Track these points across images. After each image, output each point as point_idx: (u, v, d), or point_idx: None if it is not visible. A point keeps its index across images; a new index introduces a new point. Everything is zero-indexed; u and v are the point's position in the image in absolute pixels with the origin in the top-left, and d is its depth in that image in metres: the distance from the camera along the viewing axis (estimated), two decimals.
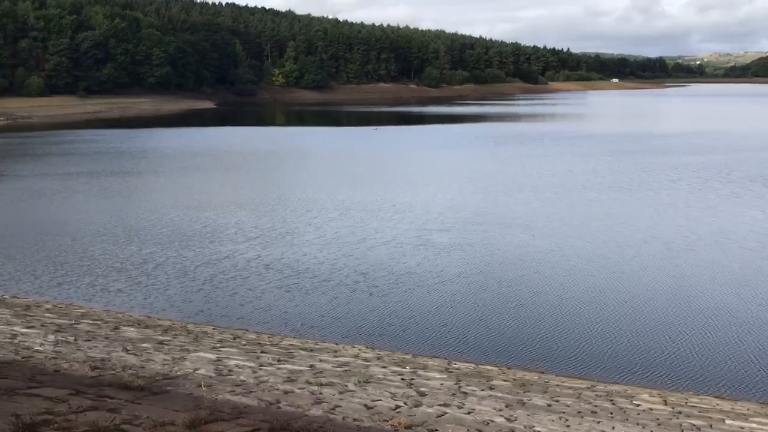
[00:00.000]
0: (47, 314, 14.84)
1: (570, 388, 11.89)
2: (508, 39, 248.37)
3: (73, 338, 10.65)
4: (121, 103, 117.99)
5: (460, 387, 10.24)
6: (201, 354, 10.63)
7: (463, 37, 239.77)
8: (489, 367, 13.76)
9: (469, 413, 8.08)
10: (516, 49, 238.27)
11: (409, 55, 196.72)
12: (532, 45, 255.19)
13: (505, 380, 12.09)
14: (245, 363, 10.03)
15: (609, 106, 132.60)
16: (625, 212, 27.13)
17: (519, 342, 14.80)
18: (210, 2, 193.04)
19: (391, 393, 8.71)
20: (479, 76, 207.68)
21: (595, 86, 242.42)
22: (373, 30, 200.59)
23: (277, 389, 7.92)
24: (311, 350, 13.60)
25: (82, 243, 22.54)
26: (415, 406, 7.99)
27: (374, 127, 74.38)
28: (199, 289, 17.96)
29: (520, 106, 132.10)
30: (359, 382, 9.32)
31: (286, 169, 42.34)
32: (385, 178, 37.37)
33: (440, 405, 8.23)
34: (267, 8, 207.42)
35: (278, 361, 10.85)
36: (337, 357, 12.82)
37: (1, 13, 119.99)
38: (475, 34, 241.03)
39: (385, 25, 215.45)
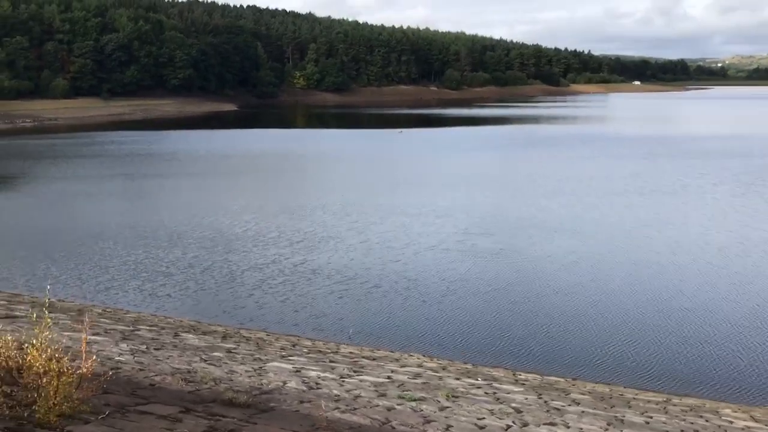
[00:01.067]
0: (102, 319, 14.59)
1: (650, 401, 11.44)
2: (527, 41, 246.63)
3: (144, 346, 10.33)
4: (144, 105, 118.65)
5: (546, 402, 9.81)
6: (276, 364, 10.28)
7: (484, 39, 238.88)
8: (555, 378, 13.36)
9: None
10: (537, 51, 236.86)
11: (430, 57, 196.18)
12: (553, 47, 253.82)
13: (581, 393, 11.64)
14: (325, 374, 9.66)
15: (634, 109, 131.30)
16: (673, 217, 26.51)
17: (570, 351, 14.38)
18: (232, 5, 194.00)
19: (488, 410, 8.31)
20: (500, 78, 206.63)
21: (616, 88, 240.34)
22: (394, 32, 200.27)
23: (378, 405, 7.54)
24: (374, 359, 13.24)
25: (124, 246, 22.35)
26: (524, 426, 7.58)
27: (399, 130, 74.03)
28: (250, 294, 17.66)
29: (542, 108, 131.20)
30: (448, 396, 8.91)
31: (320, 172, 42.08)
32: (421, 181, 36.97)
33: (546, 424, 7.82)
34: (288, 10, 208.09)
35: (354, 372, 10.47)
36: (404, 367, 12.44)
37: (28, 16, 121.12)
38: (494, 35, 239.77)
39: (404, 27, 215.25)
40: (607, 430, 8.07)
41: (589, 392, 11.98)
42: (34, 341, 5.35)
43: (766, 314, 16.00)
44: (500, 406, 8.69)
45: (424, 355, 14.44)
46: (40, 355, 5.23)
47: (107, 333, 11.80)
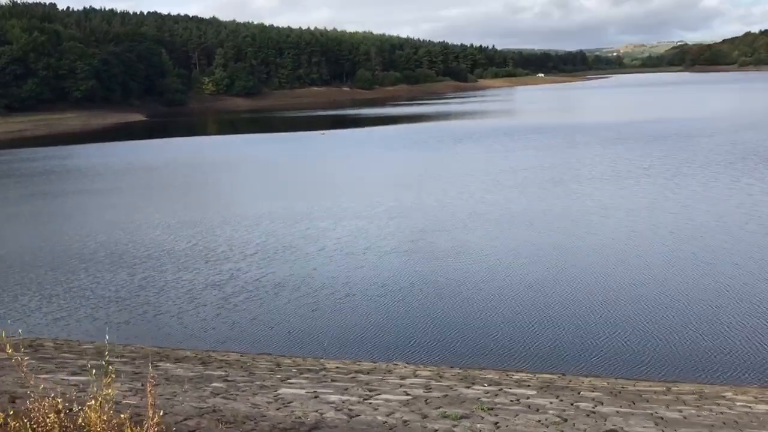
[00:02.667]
0: (64, 354, 13.31)
1: (656, 391, 11.25)
2: (433, 38, 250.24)
3: (138, 383, 9.31)
4: (46, 119, 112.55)
5: (573, 404, 9.43)
6: (286, 390, 9.48)
7: (392, 38, 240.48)
8: (548, 376, 13.09)
9: None
10: (444, 48, 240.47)
11: (340, 58, 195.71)
12: (459, 44, 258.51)
13: (590, 390, 11.27)
14: (345, 398, 8.94)
15: (544, 100, 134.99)
16: (618, 203, 26.92)
17: (535, 344, 14.19)
18: (131, 12, 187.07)
19: (536, 421, 7.84)
20: (411, 77, 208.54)
21: (522, 81, 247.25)
22: (302, 34, 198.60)
23: (436, 429, 6.94)
24: (367, 372, 12.62)
25: (64, 272, 20.70)
26: None
27: (322, 132, 73.13)
28: (216, 314, 16.58)
29: (455, 105, 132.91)
30: (484, 409, 8.40)
31: (254, 179, 40.65)
32: (362, 182, 36.35)
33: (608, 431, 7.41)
34: (191, 16, 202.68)
35: (371, 390, 9.80)
36: (405, 379, 11.86)
37: None
38: (400, 34, 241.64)
39: (312, 28, 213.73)
40: (664, 430, 7.75)
41: (595, 388, 11.73)
42: (92, 400, 4.44)
43: (734, 292, 16.32)
44: (541, 415, 8.24)
45: (408, 363, 13.91)
46: (100, 416, 4.35)
47: (81, 370, 10.65)
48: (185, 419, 6.72)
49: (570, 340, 14.28)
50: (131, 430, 4.22)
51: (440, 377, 12.46)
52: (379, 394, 9.67)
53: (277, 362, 13.71)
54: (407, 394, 9.73)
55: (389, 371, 13.13)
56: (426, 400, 9.13)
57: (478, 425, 7.28)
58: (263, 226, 26.00)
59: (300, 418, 7.13)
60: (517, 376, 13.13)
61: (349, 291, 17.76)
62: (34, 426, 4.49)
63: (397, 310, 16.39)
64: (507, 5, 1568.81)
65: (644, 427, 7.98)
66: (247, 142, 66.74)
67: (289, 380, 10.98)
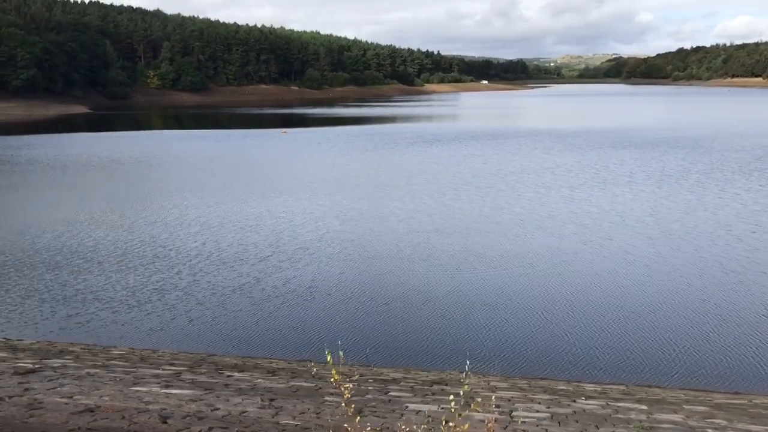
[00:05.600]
0: (92, 357, 13.03)
1: (693, 399, 11.62)
2: (375, 41, 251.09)
3: (201, 391, 9.19)
4: None
5: (686, 418, 9.61)
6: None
7: (340, 39, 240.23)
8: (657, 390, 12.88)
9: None
10: (392, 52, 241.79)
11: (290, 57, 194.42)
12: (406, 48, 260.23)
13: (674, 402, 11.37)
14: (437, 409, 9.05)
15: (493, 107, 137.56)
16: (593, 209, 27.89)
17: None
18: (73, 1, 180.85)
19: None
20: (359, 78, 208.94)
21: (468, 87, 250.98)
22: (251, 31, 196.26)
23: None
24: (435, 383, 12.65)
25: (73, 271, 20.15)
26: None
27: (283, 130, 72.66)
28: (212, 317, 16.46)
29: (404, 108, 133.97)
30: (643, 428, 8.40)
31: (234, 177, 40.04)
32: (340, 182, 36.37)
33: None
34: (134, 7, 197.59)
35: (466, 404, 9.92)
36: (494, 392, 11.79)
37: None
38: (343, 35, 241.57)
39: (259, 25, 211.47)
40: None
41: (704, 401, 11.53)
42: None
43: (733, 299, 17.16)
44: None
45: (464, 373, 13.60)
46: None
47: (150, 378, 10.48)
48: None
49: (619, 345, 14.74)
50: None
51: (512, 388, 12.52)
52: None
53: (295, 369, 13.63)
54: (547, 414, 9.60)
55: (458, 381, 13.22)
56: (561, 422, 9.18)
57: None
58: (265, 225, 25.81)
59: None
60: (590, 387, 12.83)
61: (376, 297, 17.87)
62: None
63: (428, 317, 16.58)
64: (449, 12, 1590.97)
65: None
66: (205, 138, 65.66)
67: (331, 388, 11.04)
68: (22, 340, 14.73)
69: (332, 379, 4.64)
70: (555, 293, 17.40)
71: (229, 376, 11.30)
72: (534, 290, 17.69)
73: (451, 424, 4.56)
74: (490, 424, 4.69)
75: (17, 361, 11.75)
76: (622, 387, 12.96)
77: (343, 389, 4.63)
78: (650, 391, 12.76)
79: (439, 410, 8.56)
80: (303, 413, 7.76)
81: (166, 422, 6.71)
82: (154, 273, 19.34)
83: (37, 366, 11.13)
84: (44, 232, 24.53)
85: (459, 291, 17.63)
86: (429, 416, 6.90)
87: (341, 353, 5.85)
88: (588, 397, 10.94)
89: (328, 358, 4.61)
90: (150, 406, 7.51)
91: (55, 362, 11.83)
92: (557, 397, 11.20)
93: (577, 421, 8.45)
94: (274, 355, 14.26)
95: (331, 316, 16.10)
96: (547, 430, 7.83)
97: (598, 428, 8.30)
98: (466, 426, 4.63)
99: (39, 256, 21.20)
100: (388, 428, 7.05)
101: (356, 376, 12.81)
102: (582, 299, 16.93)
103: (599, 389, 12.56)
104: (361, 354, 14.24)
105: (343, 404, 4.72)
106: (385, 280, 18.52)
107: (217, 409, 7.54)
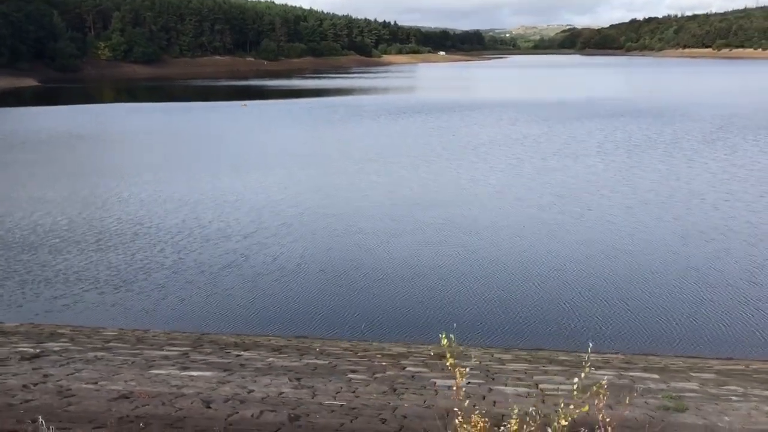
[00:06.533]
0: (113, 341, 12.70)
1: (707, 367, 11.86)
2: (332, 11, 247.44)
3: (239, 374, 9.03)
4: None
5: (706, 388, 9.75)
6: (360, 376, 9.53)
7: (296, 8, 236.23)
8: (598, 356, 13.14)
9: None
10: (349, 22, 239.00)
11: (245, 27, 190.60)
12: (363, 18, 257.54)
13: (680, 372, 11.52)
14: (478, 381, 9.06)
15: (455, 78, 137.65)
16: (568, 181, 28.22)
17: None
18: None
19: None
20: (316, 49, 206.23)
21: (425, 59, 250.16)
22: (204, 0, 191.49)
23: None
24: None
25: (73, 252, 19.53)
26: None
27: (243, 103, 71.42)
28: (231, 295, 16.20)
29: (363, 80, 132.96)
30: (671, 398, 8.46)
31: (209, 152, 39.21)
32: (322, 157, 35.97)
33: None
34: None
35: (492, 379, 9.89)
36: (504, 364, 11.84)
37: None
38: (301, 5, 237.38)
39: None
40: None
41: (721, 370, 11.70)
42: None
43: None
44: (725, 403, 8.48)
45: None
46: None
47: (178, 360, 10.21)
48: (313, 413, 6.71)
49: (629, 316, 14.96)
50: None
51: (530, 361, 12.65)
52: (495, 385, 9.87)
53: (299, 346, 13.57)
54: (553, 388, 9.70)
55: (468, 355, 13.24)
56: (562, 395, 9.38)
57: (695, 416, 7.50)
58: (249, 202, 25.39)
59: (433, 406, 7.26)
60: (593, 357, 12.88)
61: (380, 275, 17.76)
62: None
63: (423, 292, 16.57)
64: None
65: None
66: (165, 111, 64.15)
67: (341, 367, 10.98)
68: (3, 323, 14.28)
69: (447, 364, 4.55)
70: (543, 265, 17.55)
71: (237, 355, 11.11)
72: (523, 262, 17.80)
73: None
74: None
75: (14, 345, 11.36)
76: (620, 356, 13.18)
77: (457, 373, 4.54)
78: (650, 359, 13.00)
79: (467, 385, 8.55)
80: (338, 393, 7.66)
81: (209, 407, 6.54)
82: (136, 251, 18.88)
83: (38, 350, 10.78)
84: (13, 210, 23.72)
85: (448, 264, 17.64)
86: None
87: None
88: (597, 368, 11.08)
89: (444, 341, 4.51)
90: (183, 390, 7.31)
91: (54, 346, 11.46)
92: (565, 368, 11.33)
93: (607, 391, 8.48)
94: (270, 332, 14.10)
95: (324, 292, 15.96)
96: (584, 401, 7.83)
97: (627, 398, 8.39)
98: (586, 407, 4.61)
99: (11, 236, 20.51)
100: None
101: (360, 352, 12.81)
102: (570, 269, 17.12)
103: (600, 358, 12.77)
104: (357, 330, 14.22)
105: (453, 388, 4.63)
106: (374, 255, 18.41)
107: (252, 390, 7.39)
